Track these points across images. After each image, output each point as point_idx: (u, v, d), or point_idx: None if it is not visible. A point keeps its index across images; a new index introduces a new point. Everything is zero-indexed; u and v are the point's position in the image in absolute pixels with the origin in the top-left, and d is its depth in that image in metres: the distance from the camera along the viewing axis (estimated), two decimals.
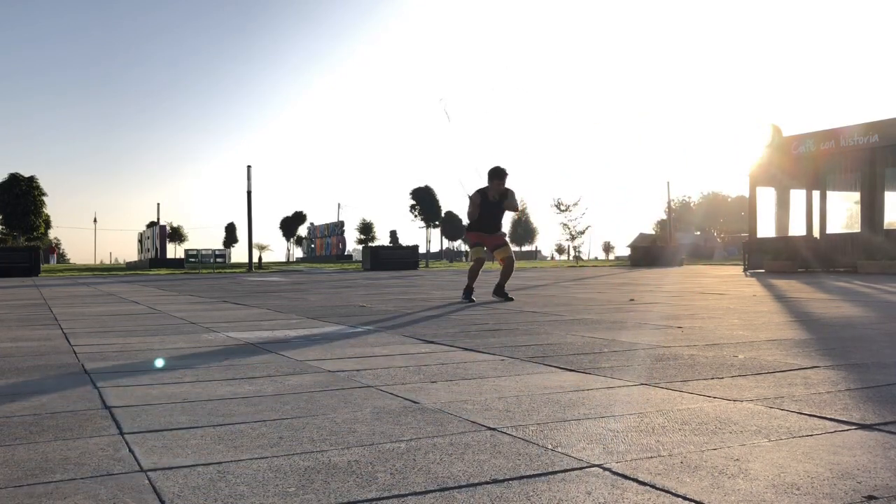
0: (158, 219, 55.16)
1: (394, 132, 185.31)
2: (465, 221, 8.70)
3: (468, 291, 8.44)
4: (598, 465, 1.79)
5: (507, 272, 8.64)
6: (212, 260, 35.91)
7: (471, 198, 8.52)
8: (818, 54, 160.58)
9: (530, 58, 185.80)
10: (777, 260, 18.44)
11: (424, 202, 51.23)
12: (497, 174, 8.38)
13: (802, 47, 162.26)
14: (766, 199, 20.27)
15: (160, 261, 40.40)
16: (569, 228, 44.58)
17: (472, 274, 8.55)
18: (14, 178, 42.11)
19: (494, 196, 8.46)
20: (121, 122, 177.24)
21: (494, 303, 8.00)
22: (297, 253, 79.44)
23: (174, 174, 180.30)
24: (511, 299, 8.30)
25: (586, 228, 44.94)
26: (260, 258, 45.10)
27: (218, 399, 2.69)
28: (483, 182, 8.53)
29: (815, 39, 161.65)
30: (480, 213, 8.44)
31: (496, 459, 1.85)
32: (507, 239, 8.82)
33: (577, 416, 2.35)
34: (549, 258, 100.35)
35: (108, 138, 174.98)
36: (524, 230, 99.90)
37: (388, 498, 1.58)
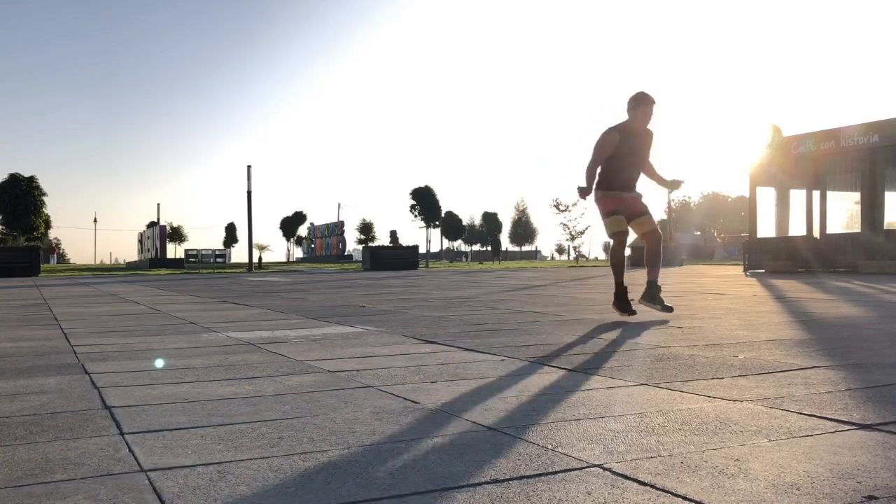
0: (158, 219, 55.24)
1: (394, 132, 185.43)
2: (582, 182, 5.74)
3: (622, 296, 5.67)
4: (598, 465, 1.79)
5: (655, 254, 5.79)
6: (212, 260, 35.94)
7: (600, 139, 5.65)
8: (818, 54, 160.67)
9: (530, 56, 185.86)
10: (777, 260, 18.43)
11: (424, 202, 51.24)
12: (645, 100, 5.62)
13: (802, 47, 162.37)
14: (766, 199, 20.25)
15: (160, 261, 40.39)
16: (568, 228, 44.54)
17: (618, 263, 5.79)
18: (14, 178, 42.14)
19: (640, 134, 5.68)
20: (121, 122, 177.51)
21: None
22: (297, 253, 79.52)
23: (174, 174, 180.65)
24: (670, 308, 5.69)
25: (586, 228, 44.96)
26: (260, 258, 45.10)
27: (218, 399, 2.69)
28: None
29: (815, 39, 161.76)
30: (620, 161, 5.66)
31: (496, 459, 1.85)
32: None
33: (577, 416, 2.35)
34: (549, 258, 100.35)
35: (108, 138, 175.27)
36: (524, 230, 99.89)
37: (388, 498, 1.58)
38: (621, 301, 5.68)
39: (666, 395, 2.67)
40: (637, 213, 5.76)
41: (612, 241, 5.80)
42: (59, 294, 11.67)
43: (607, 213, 5.72)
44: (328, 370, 3.35)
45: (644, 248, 5.89)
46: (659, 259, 5.82)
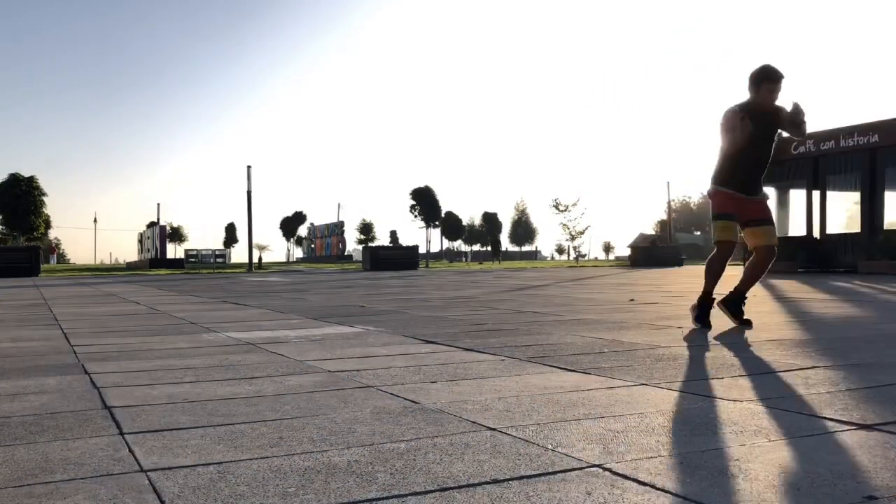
0: (158, 219, 55.09)
1: (394, 132, 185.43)
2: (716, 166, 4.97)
3: (705, 306, 4.91)
4: (598, 465, 1.79)
5: (759, 270, 5.06)
6: (212, 260, 35.97)
7: (729, 116, 4.79)
8: (818, 54, 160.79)
9: (531, 56, 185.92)
10: (777, 260, 18.42)
11: (424, 202, 51.23)
12: (770, 75, 4.76)
13: (803, 47, 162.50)
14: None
15: (160, 261, 40.37)
16: (568, 228, 44.60)
17: (714, 270, 4.99)
18: (14, 178, 42.08)
19: (765, 117, 4.78)
20: (121, 122, 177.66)
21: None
22: (297, 253, 79.56)
23: (174, 174, 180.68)
24: (749, 323, 4.91)
25: (586, 228, 45.03)
26: (260, 258, 45.08)
27: (218, 399, 2.69)
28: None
29: (815, 39, 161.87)
30: (745, 151, 4.76)
31: (496, 459, 1.85)
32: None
33: (577, 416, 2.35)
34: (549, 258, 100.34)
35: (108, 138, 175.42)
36: (524, 230, 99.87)
37: (388, 498, 1.58)
38: (702, 312, 4.90)
39: (666, 395, 2.67)
40: (756, 219, 4.91)
41: (715, 251, 4.98)
42: (60, 294, 11.67)
43: (718, 215, 4.90)
44: (328, 370, 3.35)
45: (749, 261, 5.12)
46: (760, 275, 5.05)
